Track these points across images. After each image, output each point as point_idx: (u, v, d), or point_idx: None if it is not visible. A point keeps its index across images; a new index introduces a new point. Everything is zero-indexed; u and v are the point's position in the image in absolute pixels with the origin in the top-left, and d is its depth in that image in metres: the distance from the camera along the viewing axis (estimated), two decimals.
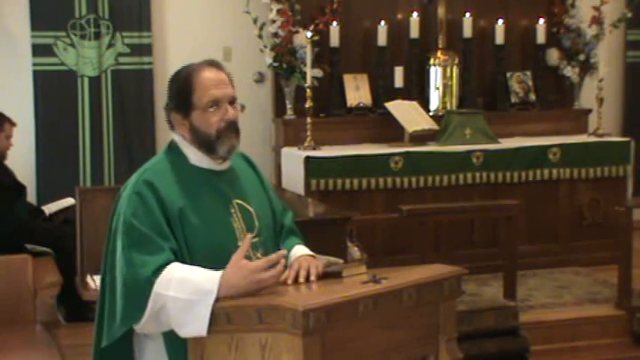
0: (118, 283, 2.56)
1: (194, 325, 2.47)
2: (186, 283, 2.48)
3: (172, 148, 2.77)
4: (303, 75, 6.47)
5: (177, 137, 2.76)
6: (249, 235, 2.61)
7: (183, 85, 2.69)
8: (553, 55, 7.30)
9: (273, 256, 2.55)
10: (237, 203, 2.74)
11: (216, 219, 2.67)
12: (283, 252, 2.62)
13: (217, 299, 2.46)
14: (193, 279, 2.49)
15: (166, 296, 2.49)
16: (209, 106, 2.67)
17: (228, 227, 2.68)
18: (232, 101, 2.71)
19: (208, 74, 2.69)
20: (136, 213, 2.58)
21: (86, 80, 6.81)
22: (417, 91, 7.01)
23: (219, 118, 2.68)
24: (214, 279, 2.48)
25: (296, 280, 2.66)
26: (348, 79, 6.93)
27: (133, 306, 2.53)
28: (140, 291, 2.51)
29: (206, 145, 2.70)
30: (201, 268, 2.54)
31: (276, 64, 6.68)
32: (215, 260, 2.56)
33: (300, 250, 2.84)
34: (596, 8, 7.26)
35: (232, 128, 2.70)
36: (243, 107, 2.78)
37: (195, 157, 2.73)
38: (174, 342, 2.57)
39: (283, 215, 2.98)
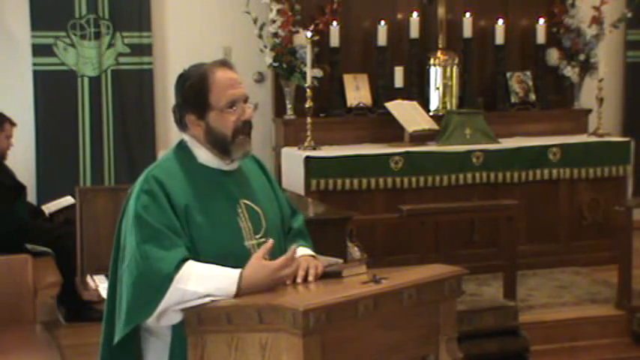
0: (130, 276, 2.55)
1: None
2: (206, 279, 2.52)
3: (182, 147, 2.77)
4: (303, 75, 6.46)
5: (187, 137, 2.75)
6: (271, 240, 2.65)
7: (198, 85, 2.68)
8: (553, 55, 7.29)
9: (289, 254, 2.60)
10: (245, 203, 2.74)
11: (222, 218, 2.68)
12: (295, 248, 2.67)
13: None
14: (213, 275, 2.53)
15: (185, 290, 2.50)
16: (227, 107, 2.67)
17: (234, 227, 2.69)
18: (246, 100, 2.72)
19: (223, 74, 2.69)
20: (147, 209, 2.58)
21: (86, 80, 6.81)
22: (417, 91, 7.01)
23: (237, 117, 2.69)
24: (234, 276, 2.53)
25: (294, 281, 2.66)
26: (348, 79, 6.93)
27: (146, 298, 2.53)
28: (158, 285, 2.51)
29: (221, 145, 2.70)
30: (219, 266, 2.57)
31: (276, 64, 6.67)
32: (220, 259, 2.58)
33: (301, 251, 2.83)
34: (596, 8, 7.26)
35: (247, 128, 2.71)
36: (256, 106, 2.78)
37: (205, 156, 2.73)
38: (177, 341, 2.59)
39: (293, 218, 2.99)
